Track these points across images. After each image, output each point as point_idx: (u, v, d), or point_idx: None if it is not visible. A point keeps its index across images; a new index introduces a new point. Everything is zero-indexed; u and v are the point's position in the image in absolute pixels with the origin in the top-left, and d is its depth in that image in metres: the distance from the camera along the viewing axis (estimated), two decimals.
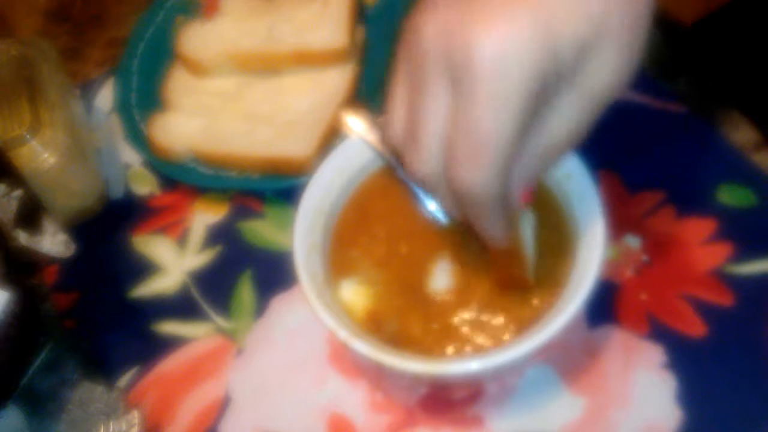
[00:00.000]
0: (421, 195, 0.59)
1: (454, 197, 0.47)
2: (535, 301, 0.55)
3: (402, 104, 0.48)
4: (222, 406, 0.62)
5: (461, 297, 0.56)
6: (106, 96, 0.82)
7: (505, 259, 0.54)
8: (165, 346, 0.65)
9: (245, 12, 0.79)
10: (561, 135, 0.47)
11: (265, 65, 0.76)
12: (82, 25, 0.90)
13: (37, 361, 0.63)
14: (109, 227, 0.73)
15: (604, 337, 0.59)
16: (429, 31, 0.44)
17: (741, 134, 0.68)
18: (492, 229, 0.49)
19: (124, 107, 0.77)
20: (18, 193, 0.65)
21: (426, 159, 0.47)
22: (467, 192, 0.45)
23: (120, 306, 0.68)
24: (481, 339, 0.54)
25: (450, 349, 0.54)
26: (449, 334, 0.55)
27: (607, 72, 0.44)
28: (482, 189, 0.45)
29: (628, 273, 0.62)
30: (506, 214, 0.48)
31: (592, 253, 0.53)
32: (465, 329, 0.55)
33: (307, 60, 0.74)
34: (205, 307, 0.67)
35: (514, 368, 0.58)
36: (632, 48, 0.44)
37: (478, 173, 0.44)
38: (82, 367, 0.63)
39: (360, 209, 0.61)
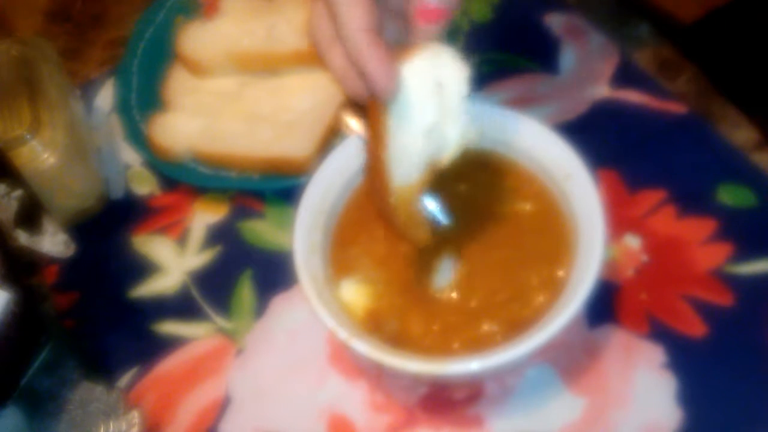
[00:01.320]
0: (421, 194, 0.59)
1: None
2: (537, 301, 0.55)
3: None
4: (222, 406, 0.62)
5: (461, 296, 0.56)
6: (106, 96, 0.82)
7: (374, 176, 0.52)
8: (165, 346, 0.65)
9: (245, 12, 0.79)
10: None
11: (265, 65, 0.76)
12: (82, 25, 0.90)
13: (37, 361, 0.63)
14: (109, 227, 0.73)
15: (604, 337, 0.59)
16: None
17: (741, 134, 0.68)
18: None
19: (124, 107, 0.77)
20: (18, 193, 0.65)
21: None
22: None
23: (120, 306, 0.68)
24: (481, 339, 0.54)
25: (450, 349, 0.54)
26: (449, 334, 0.55)
27: None
28: None
29: (628, 273, 0.62)
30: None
31: (592, 253, 0.53)
32: (465, 329, 0.55)
33: (307, 60, 0.74)
34: (205, 307, 0.67)
35: (514, 368, 0.58)
36: None
37: None
38: (82, 367, 0.63)
39: (360, 209, 0.61)
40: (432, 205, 0.58)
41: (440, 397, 0.59)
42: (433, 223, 0.57)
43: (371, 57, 0.49)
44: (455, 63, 0.51)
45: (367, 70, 0.49)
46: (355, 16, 0.49)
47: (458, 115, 0.53)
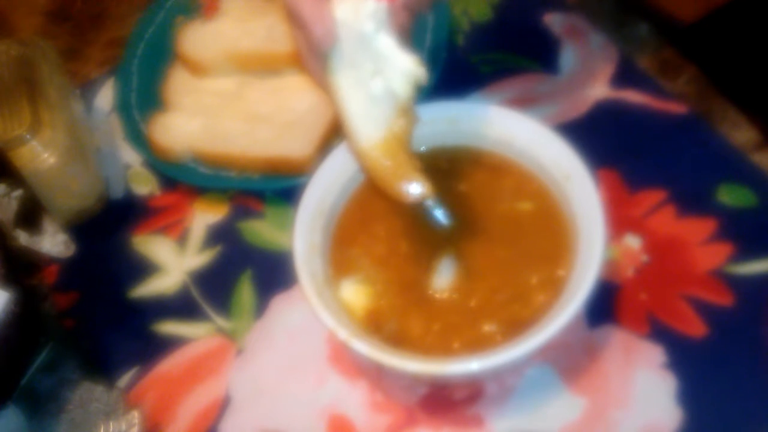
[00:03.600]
0: None
1: None
2: (537, 301, 0.55)
3: None
4: (222, 406, 0.62)
5: (461, 296, 0.56)
6: (106, 96, 0.82)
7: None
8: (165, 346, 0.65)
9: (245, 12, 0.79)
10: None
11: (265, 65, 0.76)
12: (82, 25, 0.90)
13: (37, 361, 0.63)
14: (109, 227, 0.73)
15: (604, 337, 0.59)
16: None
17: (741, 134, 0.68)
18: None
19: (124, 107, 0.77)
20: (18, 193, 0.65)
21: None
22: None
23: (120, 306, 0.68)
24: (481, 339, 0.54)
25: (450, 349, 0.54)
26: (449, 334, 0.55)
27: None
28: None
29: (628, 273, 0.62)
30: None
31: (592, 253, 0.53)
32: (465, 329, 0.55)
33: None
34: (205, 307, 0.67)
35: (514, 368, 0.58)
36: None
37: None
38: (82, 367, 0.63)
39: (360, 209, 0.61)
40: (432, 206, 0.59)
41: (440, 397, 0.59)
42: (426, 181, 0.57)
43: (306, 5, 0.49)
44: (369, 5, 0.51)
45: (303, 20, 0.50)
46: None
47: (394, 56, 0.52)
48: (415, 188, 0.55)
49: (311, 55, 0.54)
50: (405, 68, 0.53)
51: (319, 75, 0.54)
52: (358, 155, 0.55)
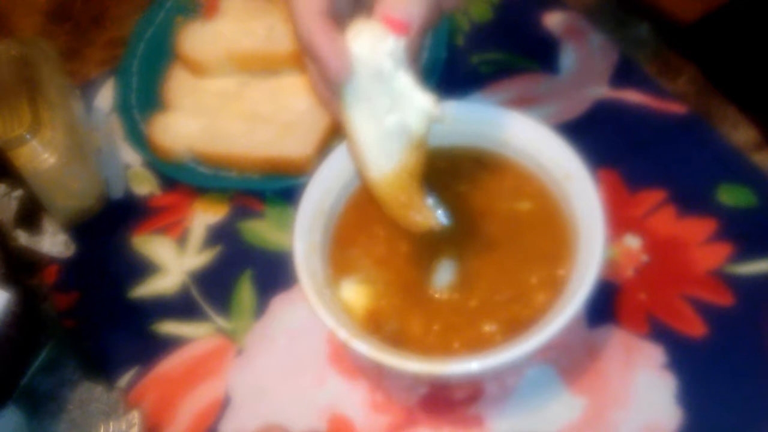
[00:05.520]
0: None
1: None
2: (537, 300, 0.55)
3: None
4: (222, 406, 0.62)
5: (461, 296, 0.56)
6: (106, 96, 0.82)
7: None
8: (165, 346, 0.65)
9: (245, 12, 0.79)
10: None
11: (265, 65, 0.76)
12: (82, 25, 0.90)
13: (37, 361, 0.63)
14: (109, 227, 0.73)
15: (604, 337, 0.59)
16: None
17: (741, 134, 0.68)
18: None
19: (124, 107, 0.77)
20: (18, 193, 0.65)
21: None
22: None
23: (120, 306, 0.68)
24: (481, 339, 0.54)
25: (450, 349, 0.54)
26: (449, 334, 0.55)
27: None
28: None
29: (628, 273, 0.62)
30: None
31: (592, 253, 0.53)
32: (465, 329, 0.55)
33: None
34: (205, 307, 0.67)
35: (514, 368, 0.58)
36: None
37: None
38: (82, 367, 0.63)
39: (360, 209, 0.61)
40: (432, 206, 0.59)
41: (440, 397, 0.59)
42: (434, 212, 0.57)
43: (322, 39, 0.49)
44: (388, 43, 0.51)
45: (318, 54, 0.49)
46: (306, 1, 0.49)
47: (410, 93, 0.52)
48: (424, 219, 0.56)
49: (324, 87, 0.54)
50: (422, 106, 0.53)
51: (332, 105, 0.54)
52: (369, 185, 0.55)
